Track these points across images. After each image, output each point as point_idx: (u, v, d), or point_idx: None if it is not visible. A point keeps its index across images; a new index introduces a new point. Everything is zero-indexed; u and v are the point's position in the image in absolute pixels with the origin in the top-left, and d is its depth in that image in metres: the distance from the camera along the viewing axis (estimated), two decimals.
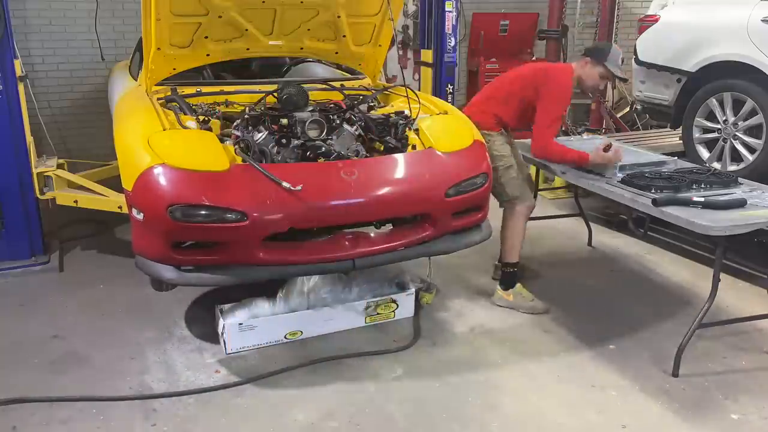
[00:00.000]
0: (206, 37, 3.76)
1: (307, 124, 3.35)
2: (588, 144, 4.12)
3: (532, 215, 3.93)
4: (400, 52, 7.27)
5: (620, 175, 3.56)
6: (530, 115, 3.72)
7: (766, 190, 3.39)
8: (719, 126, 4.56)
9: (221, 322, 3.25)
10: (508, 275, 3.82)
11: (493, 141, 3.78)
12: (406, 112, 3.72)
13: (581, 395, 2.98)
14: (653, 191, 3.29)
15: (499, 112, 3.82)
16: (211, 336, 3.40)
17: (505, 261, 3.82)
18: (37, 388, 2.97)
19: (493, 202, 3.63)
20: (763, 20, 4.22)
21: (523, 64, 4.04)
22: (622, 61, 3.75)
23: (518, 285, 3.82)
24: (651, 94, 5.15)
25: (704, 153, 4.69)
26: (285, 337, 3.36)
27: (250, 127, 3.36)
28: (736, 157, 4.47)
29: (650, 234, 4.81)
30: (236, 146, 3.21)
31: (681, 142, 4.96)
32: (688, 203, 3.12)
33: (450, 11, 5.62)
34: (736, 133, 4.43)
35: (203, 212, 2.84)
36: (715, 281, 3.07)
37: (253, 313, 3.32)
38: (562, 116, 3.77)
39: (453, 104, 4.51)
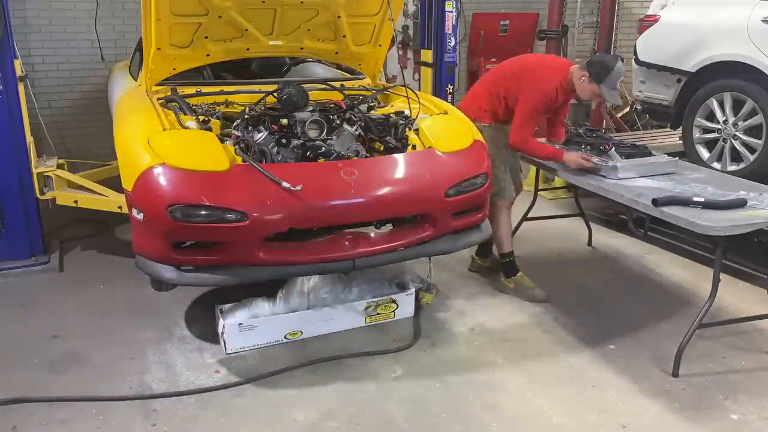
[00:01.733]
0: (206, 37, 3.76)
1: (307, 124, 3.35)
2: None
3: (532, 215, 3.94)
4: (400, 52, 7.26)
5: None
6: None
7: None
8: (719, 126, 4.56)
9: (221, 322, 3.25)
10: (507, 265, 3.93)
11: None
12: (406, 112, 3.72)
13: (581, 395, 2.98)
14: None
15: (489, 103, 3.83)
16: (211, 336, 3.40)
17: (500, 252, 3.93)
18: (37, 388, 2.97)
19: None
20: (763, 20, 4.22)
21: (522, 56, 4.03)
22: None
23: (519, 273, 3.91)
24: (651, 94, 5.15)
25: (704, 153, 4.69)
26: (285, 337, 3.36)
27: (250, 127, 3.36)
28: (737, 157, 4.47)
29: (650, 234, 4.81)
30: (236, 146, 3.20)
31: (681, 142, 4.96)
32: (688, 203, 3.12)
33: (450, 11, 5.61)
34: (736, 134, 4.43)
35: (203, 212, 2.84)
36: (715, 281, 3.07)
37: (253, 313, 3.32)
38: (543, 117, 3.83)
39: (453, 104, 4.50)
